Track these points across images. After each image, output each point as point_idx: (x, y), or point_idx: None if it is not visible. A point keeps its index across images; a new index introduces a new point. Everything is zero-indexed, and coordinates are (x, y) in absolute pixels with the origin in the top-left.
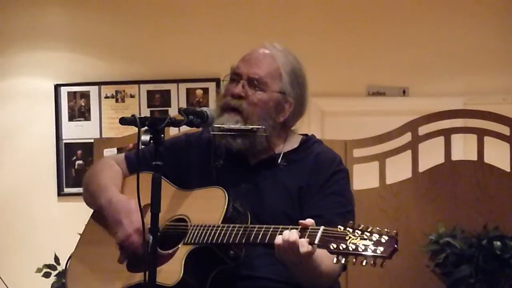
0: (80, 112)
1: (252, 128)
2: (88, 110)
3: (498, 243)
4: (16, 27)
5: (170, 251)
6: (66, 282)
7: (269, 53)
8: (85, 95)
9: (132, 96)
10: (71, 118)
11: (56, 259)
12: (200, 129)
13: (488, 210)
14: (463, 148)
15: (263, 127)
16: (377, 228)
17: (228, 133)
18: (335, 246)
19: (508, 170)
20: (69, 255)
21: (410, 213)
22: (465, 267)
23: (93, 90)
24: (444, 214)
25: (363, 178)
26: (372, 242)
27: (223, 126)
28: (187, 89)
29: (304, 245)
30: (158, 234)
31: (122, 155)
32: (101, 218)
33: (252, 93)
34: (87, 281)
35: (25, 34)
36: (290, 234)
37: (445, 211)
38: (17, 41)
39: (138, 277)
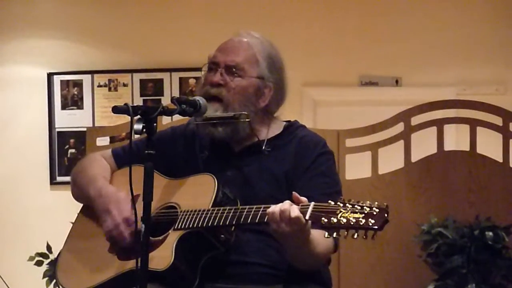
0: (73, 101)
1: (234, 114)
2: (81, 98)
3: (490, 233)
4: (9, 15)
5: (160, 238)
6: (56, 274)
7: (245, 40)
8: (78, 84)
9: (125, 85)
10: (64, 106)
11: (48, 247)
12: (187, 120)
13: (480, 201)
14: (456, 139)
15: (245, 112)
16: (368, 201)
17: (211, 121)
18: (326, 220)
19: (501, 160)
20: (60, 247)
21: (403, 203)
22: (457, 257)
23: (86, 79)
24: (436, 204)
25: (355, 168)
26: (363, 215)
27: (205, 115)
28: (180, 78)
29: (295, 211)
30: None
31: (109, 151)
32: (91, 210)
33: (231, 80)
34: (78, 272)
35: (18, 22)
36: (282, 204)
37: (437, 201)
38: (9, 29)
39: (130, 264)
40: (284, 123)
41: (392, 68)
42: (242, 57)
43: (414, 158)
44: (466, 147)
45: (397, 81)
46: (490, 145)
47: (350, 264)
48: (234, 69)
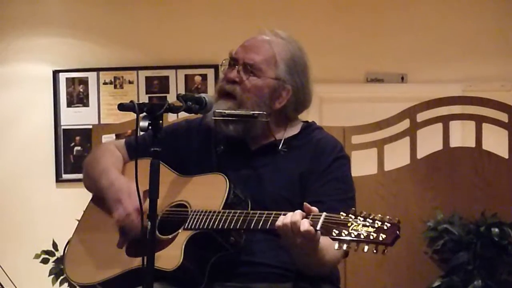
0: (78, 98)
1: (253, 113)
2: (87, 96)
3: (496, 229)
4: (15, 13)
5: (170, 236)
6: (64, 267)
7: (268, 39)
8: (84, 81)
9: (130, 82)
10: (70, 104)
11: (54, 245)
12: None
13: (486, 197)
14: (462, 135)
15: (264, 112)
16: (379, 215)
17: (229, 118)
18: (337, 232)
19: (507, 156)
20: (67, 241)
21: (409, 200)
22: (463, 254)
23: (91, 76)
24: (442, 201)
25: (361, 165)
26: (374, 229)
27: (224, 111)
28: (186, 76)
29: (305, 224)
30: (158, 219)
31: (122, 141)
32: (101, 202)
33: (246, 78)
34: (86, 266)
35: (23, 20)
36: (293, 215)
37: (443, 197)
38: (15, 27)
39: (137, 261)
40: (302, 123)
41: (398, 64)
42: (262, 56)
43: (420, 154)
44: (472, 144)
45: (402, 78)
46: (496, 141)
47: (357, 260)
48: (251, 68)
